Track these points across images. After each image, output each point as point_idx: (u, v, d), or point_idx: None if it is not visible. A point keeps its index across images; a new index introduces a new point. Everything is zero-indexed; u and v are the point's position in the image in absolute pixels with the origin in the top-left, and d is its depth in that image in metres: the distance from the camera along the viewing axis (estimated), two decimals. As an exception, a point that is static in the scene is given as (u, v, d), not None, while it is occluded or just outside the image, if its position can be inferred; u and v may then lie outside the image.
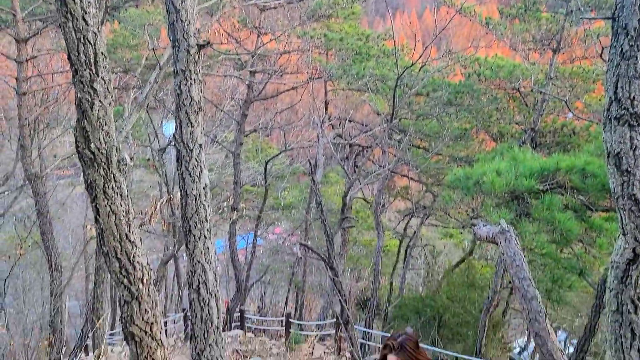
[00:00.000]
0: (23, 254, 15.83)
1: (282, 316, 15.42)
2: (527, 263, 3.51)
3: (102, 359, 7.22)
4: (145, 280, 2.86)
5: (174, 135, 3.57)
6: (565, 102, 10.11)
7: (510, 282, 12.02)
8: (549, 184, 5.66)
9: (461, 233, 16.91)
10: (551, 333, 3.33)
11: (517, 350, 14.41)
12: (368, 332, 13.08)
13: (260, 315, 18.44)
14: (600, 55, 9.70)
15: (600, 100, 12.02)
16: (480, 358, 9.40)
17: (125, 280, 2.79)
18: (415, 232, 17.80)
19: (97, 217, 2.69)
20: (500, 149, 8.42)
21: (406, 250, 17.86)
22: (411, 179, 16.83)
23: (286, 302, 20.70)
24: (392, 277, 17.31)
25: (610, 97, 2.03)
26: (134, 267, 2.80)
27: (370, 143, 15.37)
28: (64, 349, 9.39)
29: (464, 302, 13.11)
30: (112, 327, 17.65)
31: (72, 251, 21.12)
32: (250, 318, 16.40)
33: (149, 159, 17.76)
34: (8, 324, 11.52)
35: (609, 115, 2.03)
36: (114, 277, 2.80)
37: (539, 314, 3.30)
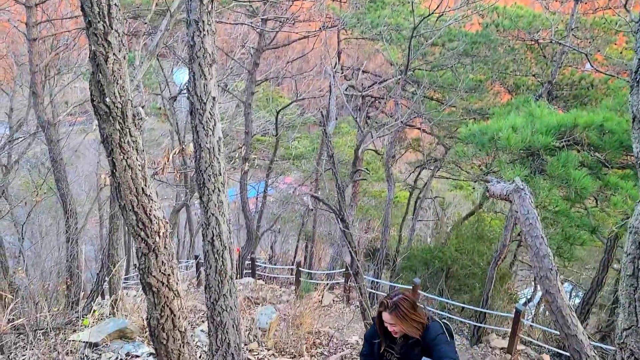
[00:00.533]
0: (39, 201, 16.12)
1: (292, 265, 15.73)
2: (540, 221, 3.50)
3: (118, 304, 7.45)
4: (161, 233, 2.90)
5: (187, 88, 3.53)
6: (586, 55, 9.81)
7: (518, 235, 12.10)
8: (565, 141, 5.57)
9: (473, 189, 16.89)
10: (561, 290, 3.36)
11: (523, 301, 14.64)
12: (376, 282, 13.34)
13: (271, 264, 18.81)
14: (625, 6, 9.33)
15: (621, 53, 11.66)
16: (487, 308, 9.57)
17: (142, 233, 2.83)
18: (425, 184, 17.82)
19: (114, 170, 2.70)
20: (516, 103, 8.26)
21: (416, 202, 17.95)
22: (423, 131, 16.67)
23: (296, 251, 21.05)
24: (401, 228, 17.49)
25: (639, 59, 1.96)
26: (151, 221, 2.83)
27: (383, 94, 15.14)
28: (81, 293, 9.66)
29: (472, 254, 13.24)
30: (127, 272, 18.15)
31: (86, 197, 21.46)
32: (261, 266, 16.75)
33: (160, 108, 17.72)
34: (27, 268, 11.85)
35: (636, 78, 1.96)
36: (131, 229, 2.83)
37: (550, 272, 3.32)
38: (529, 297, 15.42)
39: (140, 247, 2.89)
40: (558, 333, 3.43)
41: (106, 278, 8.23)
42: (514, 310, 8.57)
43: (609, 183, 5.52)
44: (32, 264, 14.21)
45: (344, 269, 12.75)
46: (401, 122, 12.29)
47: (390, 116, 16.34)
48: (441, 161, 16.71)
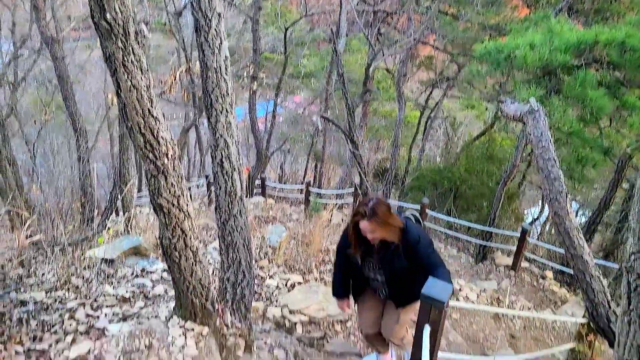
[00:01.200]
0: (49, 119, 16.14)
1: (302, 184, 15.88)
2: (553, 143, 3.44)
3: (132, 221, 7.63)
4: (170, 155, 2.88)
5: (191, 3, 3.37)
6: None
7: (529, 156, 12.03)
8: (584, 59, 5.36)
9: (486, 109, 16.60)
10: (570, 213, 3.36)
11: (530, 220, 14.84)
12: (385, 201, 13.48)
13: (281, 183, 19.01)
14: None
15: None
16: (493, 227, 9.72)
17: (151, 155, 2.81)
18: (437, 103, 17.54)
19: (119, 91, 2.64)
20: (535, 18, 7.88)
21: (426, 122, 17.77)
22: (436, 48, 16.14)
23: (305, 171, 21.19)
24: (411, 148, 17.43)
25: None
26: (159, 142, 2.80)
27: (395, 9, 14.52)
28: (95, 210, 9.85)
29: (481, 174, 13.28)
30: (139, 190, 18.46)
31: (95, 116, 21.42)
32: (270, 186, 16.94)
33: (164, 24, 17.19)
34: (41, 185, 12.06)
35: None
36: (139, 151, 2.82)
37: (560, 194, 3.31)
38: (535, 216, 15.61)
39: (149, 169, 2.89)
40: (562, 251, 3.48)
41: (119, 196, 8.37)
42: (520, 229, 8.70)
43: (627, 103, 5.38)
44: (45, 181, 14.45)
45: (353, 189, 12.87)
46: (414, 39, 11.88)
47: (403, 33, 15.78)
48: (454, 80, 16.33)
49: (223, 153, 3.59)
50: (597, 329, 3.60)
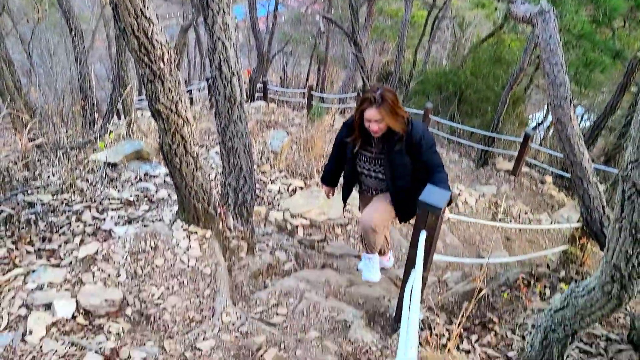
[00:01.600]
0: (42, 18, 15.56)
1: (304, 88, 15.63)
2: (561, 47, 3.32)
3: (133, 125, 7.61)
4: (166, 59, 2.80)
5: None
6: None
7: (537, 58, 11.69)
8: (603, -46, 5.03)
9: (496, 8, 15.85)
10: (573, 119, 3.32)
11: (534, 124, 14.74)
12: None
13: (283, 87, 18.71)
14: None
15: None
16: (497, 133, 9.69)
17: (146, 59, 2.74)
18: (445, 2, 16.75)
19: (108, -10, 2.51)
20: None
21: (434, 22, 17.08)
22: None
23: (308, 74, 20.78)
24: (416, 50, 16.90)
25: None
26: (153, 46, 2.71)
27: None
28: (96, 114, 9.78)
29: (487, 78, 12.99)
30: (140, 93, 18.23)
31: (90, 14, 20.63)
32: (272, 89, 16.68)
33: None
34: (40, 87, 11.89)
35: None
36: (134, 55, 2.73)
37: (565, 101, 3.25)
38: (540, 120, 15.48)
39: (145, 74, 2.83)
40: (563, 156, 3.49)
41: (119, 99, 8.27)
42: (523, 134, 8.68)
43: (643, 4, 5.12)
44: (44, 83, 14.22)
45: (356, 93, 12.68)
46: None
47: None
48: (464, -24, 15.46)
49: (221, 57, 3.49)
50: (590, 233, 3.70)
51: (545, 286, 4.00)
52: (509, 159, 9.75)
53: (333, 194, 3.89)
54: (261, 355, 2.71)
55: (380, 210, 3.39)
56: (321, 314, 3.23)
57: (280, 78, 21.30)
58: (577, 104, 14.46)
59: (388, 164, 3.20)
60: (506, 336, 3.31)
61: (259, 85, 15.43)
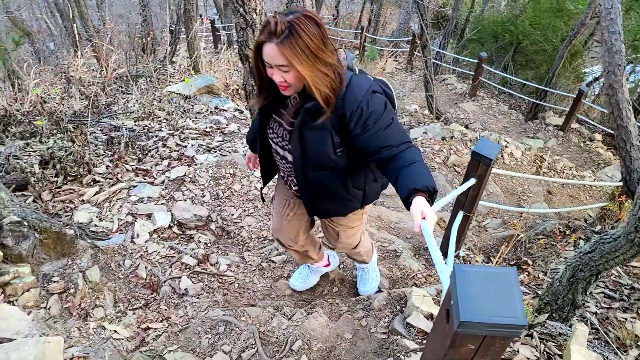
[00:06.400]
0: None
1: (357, 28, 15.59)
2: (621, 16, 3.49)
3: (201, 61, 8.02)
4: (258, 10, 3.17)
5: None
6: None
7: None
8: None
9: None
10: (624, 85, 3.54)
11: (589, 79, 14.40)
12: (442, 53, 13.29)
13: (335, 26, 18.64)
14: None
15: None
16: (550, 87, 9.68)
17: (241, 9, 3.11)
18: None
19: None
20: None
21: (496, -34, 16.49)
22: None
23: (361, 14, 20.48)
24: (475, -6, 16.44)
25: None
26: (249, -2, 3.08)
27: None
28: (168, 48, 10.20)
29: (546, 29, 12.66)
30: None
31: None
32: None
33: None
34: (113, 19, 12.35)
35: None
36: (231, 5, 3.11)
37: (618, 68, 3.46)
38: (597, 75, 15.08)
39: (239, 22, 3.21)
40: (610, 119, 3.74)
41: (187, 36, 8.67)
42: (577, 90, 8.68)
43: None
44: (117, 15, 14.74)
45: (411, 38, 12.67)
46: None
47: None
48: None
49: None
50: (628, 192, 3.99)
51: (579, 237, 4.34)
52: (560, 114, 9.78)
53: (255, 166, 2.48)
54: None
55: (334, 232, 2.45)
56: (374, 244, 3.69)
57: (333, 15, 21.09)
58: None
59: (297, 142, 1.86)
60: (538, 277, 3.72)
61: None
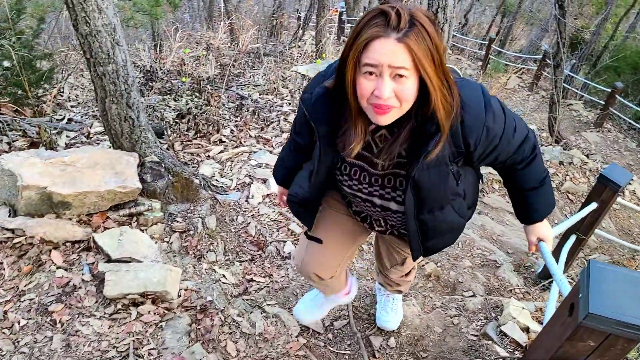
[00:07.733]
0: None
1: (483, 39, 15.16)
2: None
3: (326, 46, 8.24)
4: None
5: None
6: None
7: None
8: None
9: None
10: None
11: None
12: (571, 76, 12.57)
13: (461, 34, 18.25)
14: None
15: None
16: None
17: None
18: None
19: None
20: None
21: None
22: None
23: (490, 25, 19.90)
24: (619, 21, 15.36)
25: None
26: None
27: None
28: (300, 31, 10.56)
29: (695, 68, 11.61)
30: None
31: None
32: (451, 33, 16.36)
33: None
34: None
35: None
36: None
37: None
38: None
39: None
40: None
41: (321, 21, 8.94)
42: None
43: None
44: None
45: (541, 56, 12.12)
46: None
47: None
48: None
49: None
50: None
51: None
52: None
53: (284, 203, 1.99)
54: (422, 266, 3.24)
55: (400, 258, 2.10)
56: (474, 250, 3.65)
57: (460, 23, 20.66)
58: None
59: (412, 190, 1.43)
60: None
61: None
